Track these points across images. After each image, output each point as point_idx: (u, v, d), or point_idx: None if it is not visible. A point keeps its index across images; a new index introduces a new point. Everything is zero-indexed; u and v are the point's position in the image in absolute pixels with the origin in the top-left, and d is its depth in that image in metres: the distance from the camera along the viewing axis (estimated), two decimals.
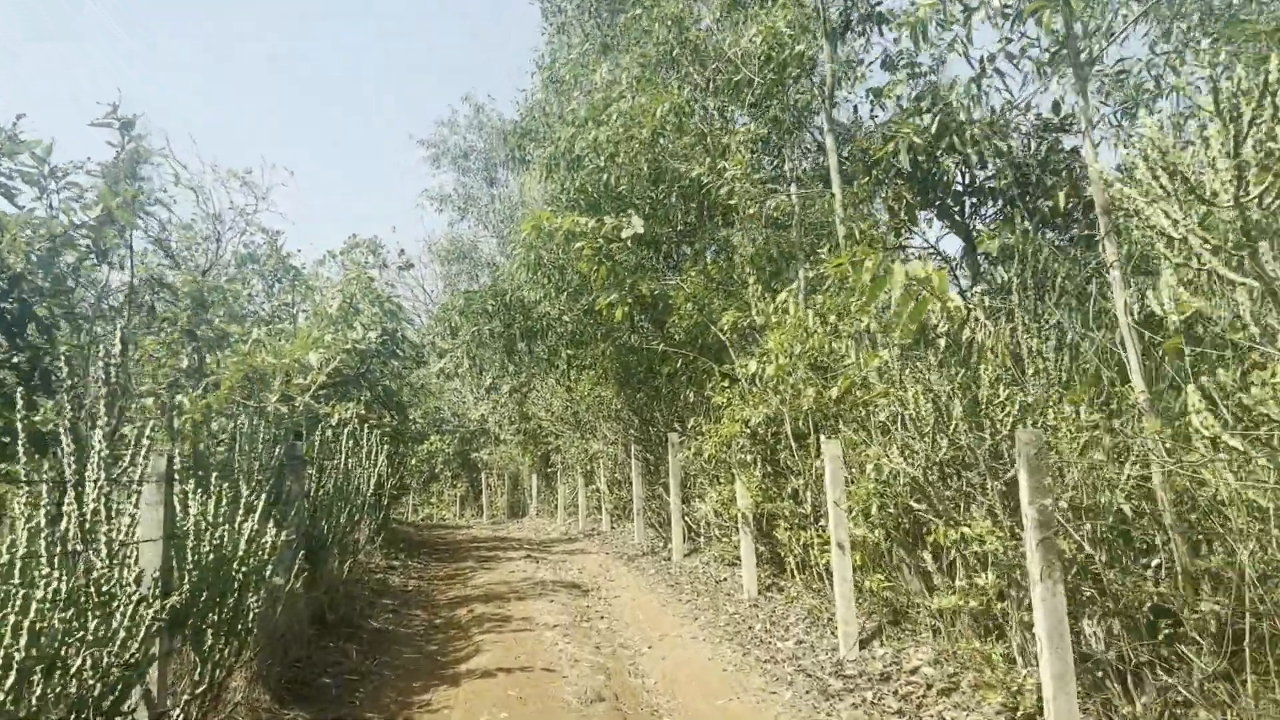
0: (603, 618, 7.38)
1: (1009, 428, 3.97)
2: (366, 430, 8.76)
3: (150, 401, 6.96)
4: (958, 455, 4.19)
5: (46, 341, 5.13)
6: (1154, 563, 3.61)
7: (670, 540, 10.28)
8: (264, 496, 5.37)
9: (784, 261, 7.51)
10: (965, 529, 3.99)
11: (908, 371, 4.70)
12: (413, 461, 27.54)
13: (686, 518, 9.68)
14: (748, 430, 7.36)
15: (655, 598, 8.06)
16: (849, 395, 5.42)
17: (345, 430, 9.20)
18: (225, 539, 3.90)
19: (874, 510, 4.88)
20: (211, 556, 3.81)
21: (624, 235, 7.42)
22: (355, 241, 11.49)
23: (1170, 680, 3.35)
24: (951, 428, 4.08)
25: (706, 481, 9.06)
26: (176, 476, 4.03)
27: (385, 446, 9.08)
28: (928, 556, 5.14)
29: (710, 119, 7.56)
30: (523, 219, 10.41)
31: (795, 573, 6.86)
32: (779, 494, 7.24)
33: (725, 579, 8.43)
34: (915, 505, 4.77)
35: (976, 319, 4.58)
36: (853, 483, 5.61)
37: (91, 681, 2.91)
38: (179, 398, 6.26)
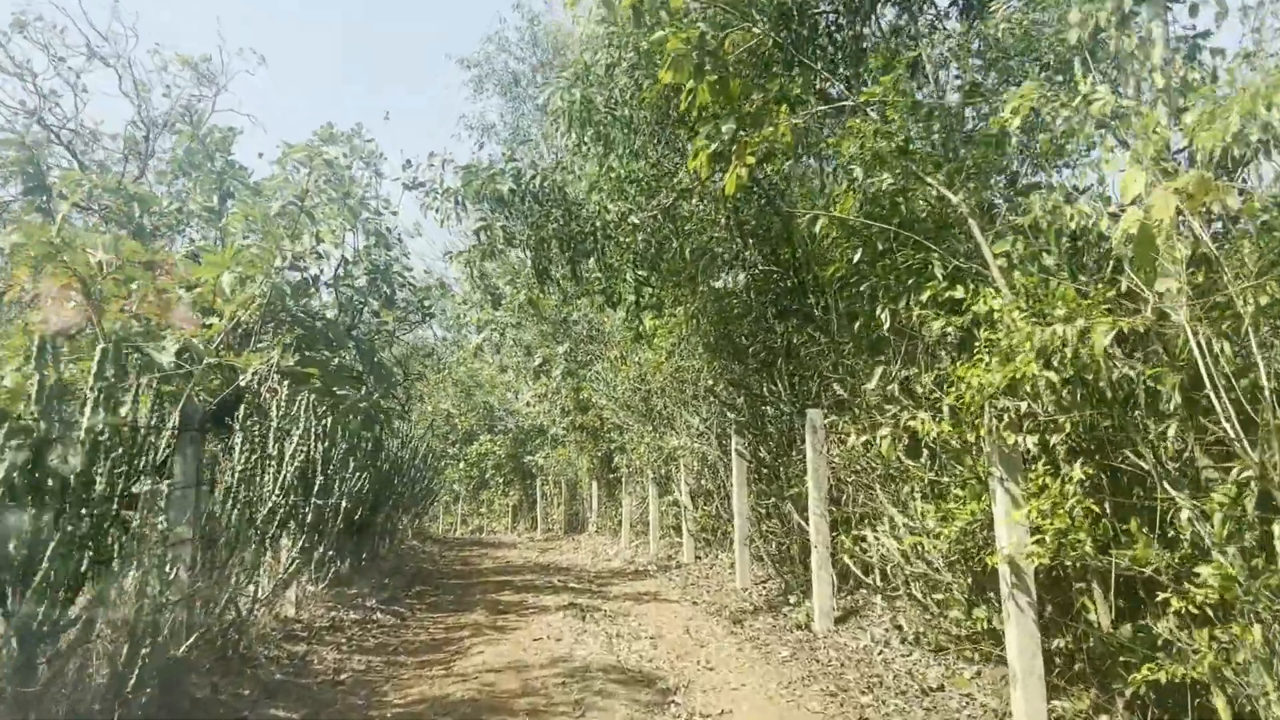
0: None
1: None
2: (286, 390, 5.06)
3: None
4: None
5: None
6: None
7: (805, 591, 6.23)
8: None
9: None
10: None
11: None
12: (460, 465, 24.01)
13: (844, 555, 5.57)
14: (1035, 379, 3.31)
15: None
16: None
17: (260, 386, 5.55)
18: None
19: None
20: None
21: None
22: (330, 133, 7.85)
23: None
24: None
25: (887, 496, 4.98)
26: None
27: (326, 421, 5.35)
28: None
29: None
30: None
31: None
32: (1126, 528, 3.16)
33: (941, 686, 4.33)
34: None
35: None
36: None
37: None
38: None
